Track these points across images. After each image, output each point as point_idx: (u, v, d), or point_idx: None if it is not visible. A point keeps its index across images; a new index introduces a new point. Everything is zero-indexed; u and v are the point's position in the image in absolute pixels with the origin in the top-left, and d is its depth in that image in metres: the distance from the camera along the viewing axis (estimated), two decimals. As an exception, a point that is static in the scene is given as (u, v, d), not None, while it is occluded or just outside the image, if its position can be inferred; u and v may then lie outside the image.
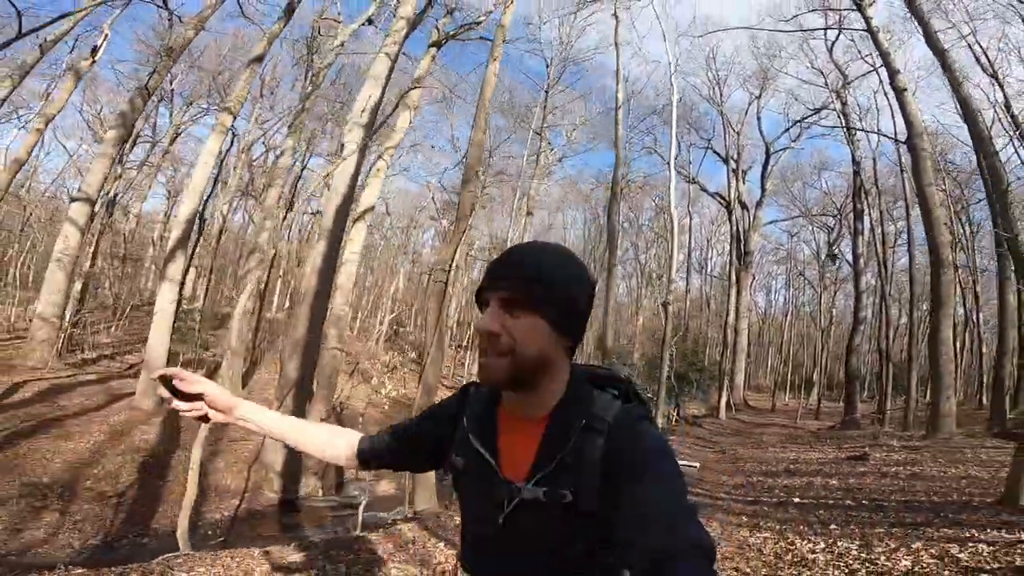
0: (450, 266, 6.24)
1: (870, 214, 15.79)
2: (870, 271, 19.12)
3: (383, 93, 8.91)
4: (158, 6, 11.31)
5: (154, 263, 21.57)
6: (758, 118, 21.49)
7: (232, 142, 16.85)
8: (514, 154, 22.64)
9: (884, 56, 10.91)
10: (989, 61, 13.82)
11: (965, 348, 18.75)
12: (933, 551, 2.77)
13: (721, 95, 19.53)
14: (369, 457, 0.92)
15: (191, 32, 10.81)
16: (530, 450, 0.73)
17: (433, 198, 24.81)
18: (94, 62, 9.51)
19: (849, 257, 20.70)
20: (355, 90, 13.46)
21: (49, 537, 4.92)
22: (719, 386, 17.13)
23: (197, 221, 11.85)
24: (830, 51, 16.90)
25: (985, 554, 2.67)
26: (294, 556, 2.91)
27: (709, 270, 31.06)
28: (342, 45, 13.12)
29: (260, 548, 2.99)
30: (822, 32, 16.25)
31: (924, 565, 2.64)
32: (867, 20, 11.21)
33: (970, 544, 2.81)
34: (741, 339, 21.13)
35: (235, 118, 10.74)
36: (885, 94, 14.16)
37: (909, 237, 14.80)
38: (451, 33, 12.26)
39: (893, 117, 13.90)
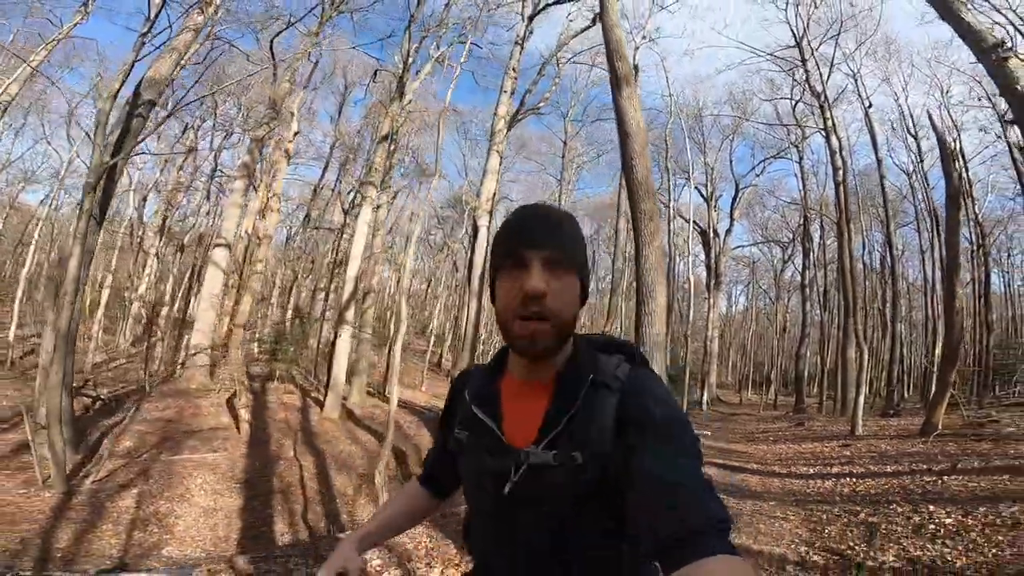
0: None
1: (813, 252, 22.99)
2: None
3: (498, 181, 14.64)
4: (273, 71, 16.03)
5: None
6: (730, 159, 28.41)
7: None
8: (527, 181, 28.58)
9: (832, 155, 17.33)
10: (914, 123, 20.85)
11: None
12: (812, 445, 9.07)
13: (705, 144, 26.13)
14: (441, 491, 1.06)
15: (286, 84, 15.52)
16: (538, 413, 0.78)
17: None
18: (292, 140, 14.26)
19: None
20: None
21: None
22: (700, 385, 23.92)
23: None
24: (793, 110, 23.42)
25: (830, 448, 8.92)
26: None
27: (680, 282, 38.23)
28: (411, 101, 18.35)
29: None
30: (786, 88, 22.79)
31: (810, 449, 8.88)
32: (825, 122, 17.57)
33: (828, 444, 9.11)
34: (714, 346, 28.16)
35: (377, 189, 15.59)
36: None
37: (840, 257, 22.01)
38: (519, 116, 17.87)
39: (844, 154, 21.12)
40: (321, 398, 15.48)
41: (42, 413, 6.86)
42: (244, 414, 11.23)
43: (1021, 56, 7.79)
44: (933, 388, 10.65)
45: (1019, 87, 6.10)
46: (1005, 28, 10.76)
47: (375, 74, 21.19)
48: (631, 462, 0.68)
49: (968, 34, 6.66)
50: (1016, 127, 6.45)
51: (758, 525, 4.33)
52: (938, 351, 12.69)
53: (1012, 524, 3.53)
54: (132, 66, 7.71)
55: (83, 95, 20.01)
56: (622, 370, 0.78)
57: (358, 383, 16.02)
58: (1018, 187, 16.22)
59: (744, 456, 8.44)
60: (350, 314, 14.29)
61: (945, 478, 5.15)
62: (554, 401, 0.77)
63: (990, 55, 6.40)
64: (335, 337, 14.16)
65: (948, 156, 9.50)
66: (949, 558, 3.16)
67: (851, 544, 3.67)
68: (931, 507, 4.22)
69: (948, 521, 3.82)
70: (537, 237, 0.75)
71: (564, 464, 0.73)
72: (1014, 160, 14.09)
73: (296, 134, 13.98)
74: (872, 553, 3.42)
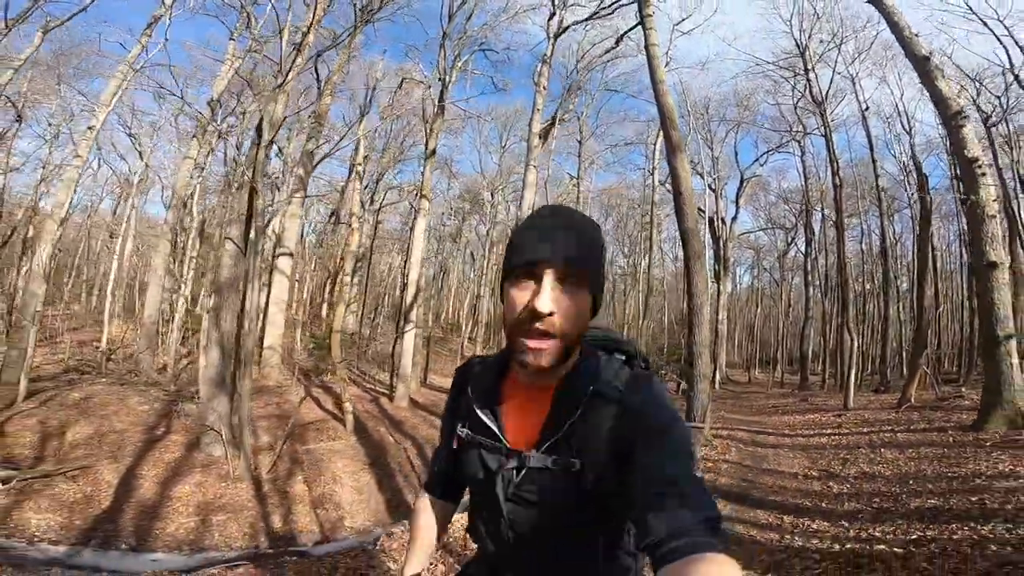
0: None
1: (815, 239, 25.90)
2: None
3: (535, 192, 17.29)
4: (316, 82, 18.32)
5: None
6: (735, 150, 31.02)
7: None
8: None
9: (831, 162, 20.13)
10: (908, 117, 23.62)
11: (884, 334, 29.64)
12: (811, 414, 12.15)
13: (712, 139, 28.80)
14: (454, 493, 1.10)
15: (328, 98, 17.80)
16: (539, 417, 0.85)
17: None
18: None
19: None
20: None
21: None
22: (712, 365, 27.10)
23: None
24: (795, 106, 25.91)
25: (826, 418, 11.90)
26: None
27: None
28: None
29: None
30: (789, 87, 25.33)
31: (811, 418, 11.90)
32: (825, 129, 20.31)
33: (825, 415, 12.11)
34: (723, 328, 31.22)
35: (430, 201, 18.12)
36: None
37: (839, 257, 25.00)
38: (546, 127, 20.39)
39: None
40: (376, 388, 18.39)
41: (209, 417, 8.71)
42: (348, 407, 13.86)
43: (981, 103, 10.59)
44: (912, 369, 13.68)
45: (965, 151, 8.83)
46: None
47: (401, 83, 23.51)
48: (627, 468, 0.75)
49: (940, 101, 9.26)
50: (960, 183, 9.30)
51: (780, 460, 7.42)
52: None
53: (922, 456, 6.48)
54: (284, 119, 10.24)
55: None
56: (622, 376, 0.84)
57: (414, 374, 18.88)
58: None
59: (761, 425, 11.45)
60: (414, 313, 17.05)
61: (899, 435, 8.12)
62: (555, 407, 0.83)
63: (951, 121, 9.07)
64: (398, 334, 16.90)
65: (924, 182, 12.33)
66: (883, 471, 6.11)
67: (833, 467, 6.63)
68: (883, 450, 7.19)
69: (889, 456, 6.79)
70: (553, 249, 0.76)
71: (563, 469, 0.80)
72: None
73: (366, 158, 16.47)
74: (844, 470, 6.38)
